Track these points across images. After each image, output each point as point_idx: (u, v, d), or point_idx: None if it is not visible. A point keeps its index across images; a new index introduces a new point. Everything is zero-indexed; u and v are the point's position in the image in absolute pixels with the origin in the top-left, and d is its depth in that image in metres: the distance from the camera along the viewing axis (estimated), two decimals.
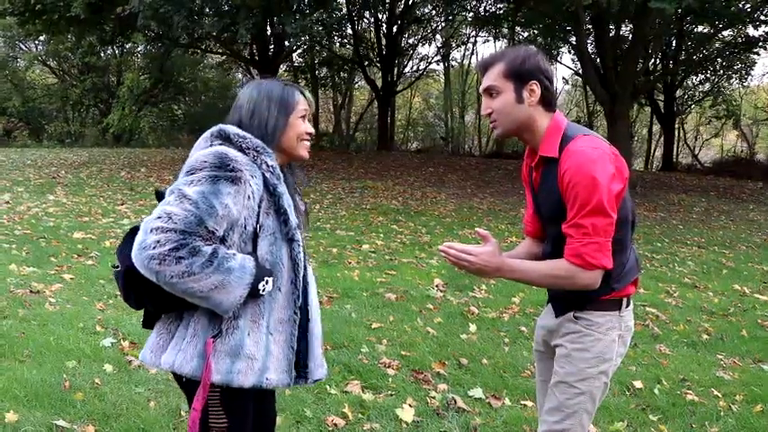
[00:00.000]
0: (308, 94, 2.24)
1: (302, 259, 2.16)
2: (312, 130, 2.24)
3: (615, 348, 2.31)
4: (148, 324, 2.18)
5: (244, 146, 2.06)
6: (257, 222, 2.05)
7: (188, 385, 2.10)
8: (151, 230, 1.89)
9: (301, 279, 2.17)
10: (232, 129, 2.10)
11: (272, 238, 2.08)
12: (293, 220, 2.12)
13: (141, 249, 1.88)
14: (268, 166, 2.07)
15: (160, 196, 2.11)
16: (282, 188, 2.10)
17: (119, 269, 2.08)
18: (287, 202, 2.11)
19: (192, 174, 1.98)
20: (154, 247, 1.87)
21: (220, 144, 2.06)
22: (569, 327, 2.32)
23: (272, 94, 2.16)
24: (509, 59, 2.21)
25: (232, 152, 2.01)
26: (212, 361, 2.01)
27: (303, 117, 2.20)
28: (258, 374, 2.07)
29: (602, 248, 2.13)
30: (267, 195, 2.07)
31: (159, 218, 1.90)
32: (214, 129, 2.12)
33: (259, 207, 2.05)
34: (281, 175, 2.12)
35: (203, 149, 2.06)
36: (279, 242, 2.10)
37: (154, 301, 2.04)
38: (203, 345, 2.02)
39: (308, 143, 2.23)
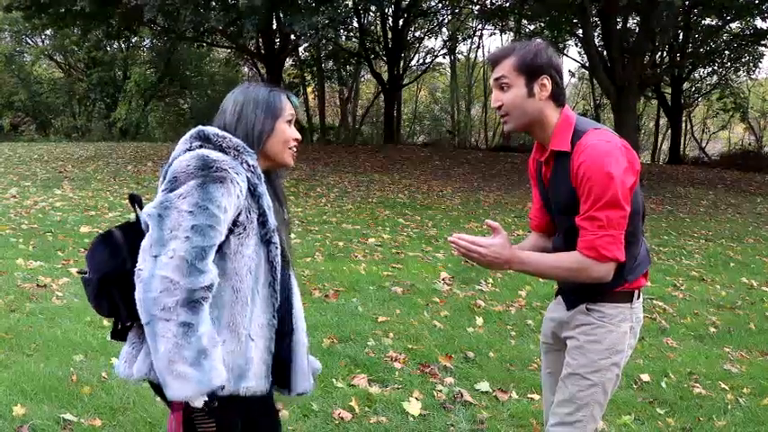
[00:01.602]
0: (294, 98, 2.20)
1: (279, 262, 2.11)
2: (299, 137, 2.19)
3: (627, 340, 2.32)
4: (119, 336, 2.11)
5: (224, 145, 2.02)
6: (244, 222, 2.02)
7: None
8: (161, 278, 1.84)
9: (279, 282, 2.12)
10: (212, 129, 2.07)
11: (256, 237, 2.04)
12: (272, 222, 2.07)
13: (148, 293, 1.85)
14: (249, 165, 2.03)
15: (135, 200, 2.08)
16: (263, 189, 2.06)
17: (87, 276, 2.02)
18: (266, 203, 2.07)
19: (176, 183, 1.93)
20: (161, 292, 1.84)
21: (200, 146, 2.02)
22: (581, 319, 2.32)
23: (259, 98, 2.12)
24: (521, 53, 2.20)
25: (213, 153, 1.97)
26: None
27: (289, 122, 2.16)
28: (234, 383, 2.02)
29: (616, 241, 2.14)
30: (249, 195, 2.03)
31: (167, 255, 1.85)
32: (193, 130, 2.08)
33: (244, 206, 2.01)
34: (262, 176, 2.08)
35: (183, 154, 2.01)
36: (258, 244, 2.06)
37: (129, 309, 1.98)
38: None
39: (294, 150, 2.19)
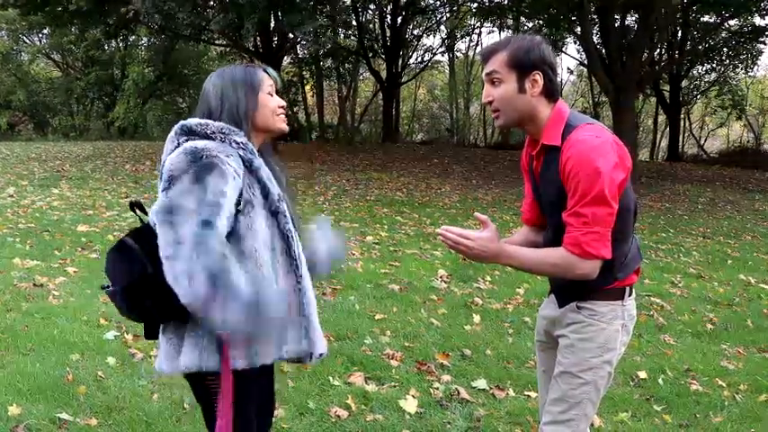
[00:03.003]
0: (270, 70, 2.25)
1: (291, 230, 2.16)
2: (283, 103, 2.25)
3: (619, 337, 2.30)
4: (151, 335, 2.17)
5: (208, 132, 2.06)
6: (249, 198, 2.06)
7: (201, 380, 2.11)
8: (184, 275, 1.89)
9: (296, 249, 2.17)
10: (193, 120, 2.10)
11: (264, 210, 2.10)
12: (274, 191, 2.12)
13: (184, 290, 1.90)
14: (238, 144, 2.07)
15: (137, 206, 2.13)
16: (259, 162, 2.11)
17: (111, 289, 2.07)
18: (265, 174, 2.11)
19: (173, 181, 1.97)
20: (187, 278, 1.89)
21: (186, 140, 2.06)
22: (572, 317, 2.31)
23: (236, 77, 2.16)
24: (512, 49, 2.18)
25: (200, 143, 2.01)
26: (230, 352, 2.04)
27: (271, 93, 2.21)
28: (276, 350, 2.12)
29: (602, 238, 2.11)
30: (246, 171, 2.07)
31: (179, 250, 1.89)
32: (176, 126, 2.12)
33: (244, 183, 2.06)
34: (254, 150, 2.12)
35: (171, 153, 2.05)
36: (267, 216, 2.11)
37: (161, 312, 2.04)
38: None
39: (283, 116, 2.24)
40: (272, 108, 2.19)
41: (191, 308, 1.92)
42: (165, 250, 1.92)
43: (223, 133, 2.07)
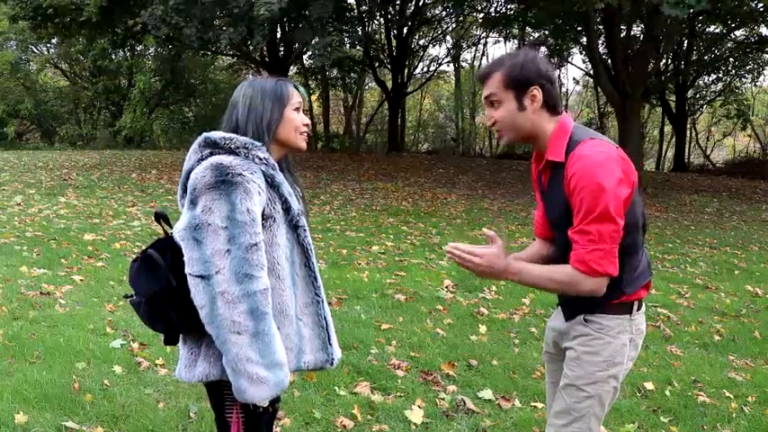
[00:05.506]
0: (301, 88, 2.28)
1: (310, 243, 2.21)
2: (308, 121, 2.27)
3: (626, 352, 2.28)
4: (171, 341, 2.18)
5: (233, 146, 2.08)
6: (270, 213, 2.09)
7: (218, 389, 2.14)
8: (219, 294, 1.93)
9: (314, 262, 2.22)
10: (217, 134, 2.12)
11: (285, 225, 2.12)
12: (295, 206, 2.16)
13: (211, 312, 1.95)
14: (261, 159, 2.09)
15: (161, 217, 2.15)
16: (280, 177, 2.13)
17: (135, 299, 2.10)
18: (287, 190, 2.14)
19: (197, 197, 1.99)
20: (224, 308, 1.94)
21: (210, 153, 2.07)
22: (579, 330, 2.30)
23: (266, 89, 2.19)
24: (507, 68, 2.17)
25: (225, 159, 2.03)
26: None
27: (297, 109, 2.23)
28: (296, 360, 2.15)
29: (608, 255, 2.10)
30: (268, 187, 2.09)
31: (214, 272, 1.93)
32: (200, 138, 2.13)
33: (266, 199, 2.08)
34: (276, 165, 2.14)
35: (197, 165, 2.07)
36: (288, 230, 2.14)
37: (185, 323, 2.06)
38: None
39: (305, 135, 2.27)
40: (295, 124, 2.21)
41: (210, 326, 1.95)
42: (192, 267, 1.95)
43: (246, 148, 2.08)
